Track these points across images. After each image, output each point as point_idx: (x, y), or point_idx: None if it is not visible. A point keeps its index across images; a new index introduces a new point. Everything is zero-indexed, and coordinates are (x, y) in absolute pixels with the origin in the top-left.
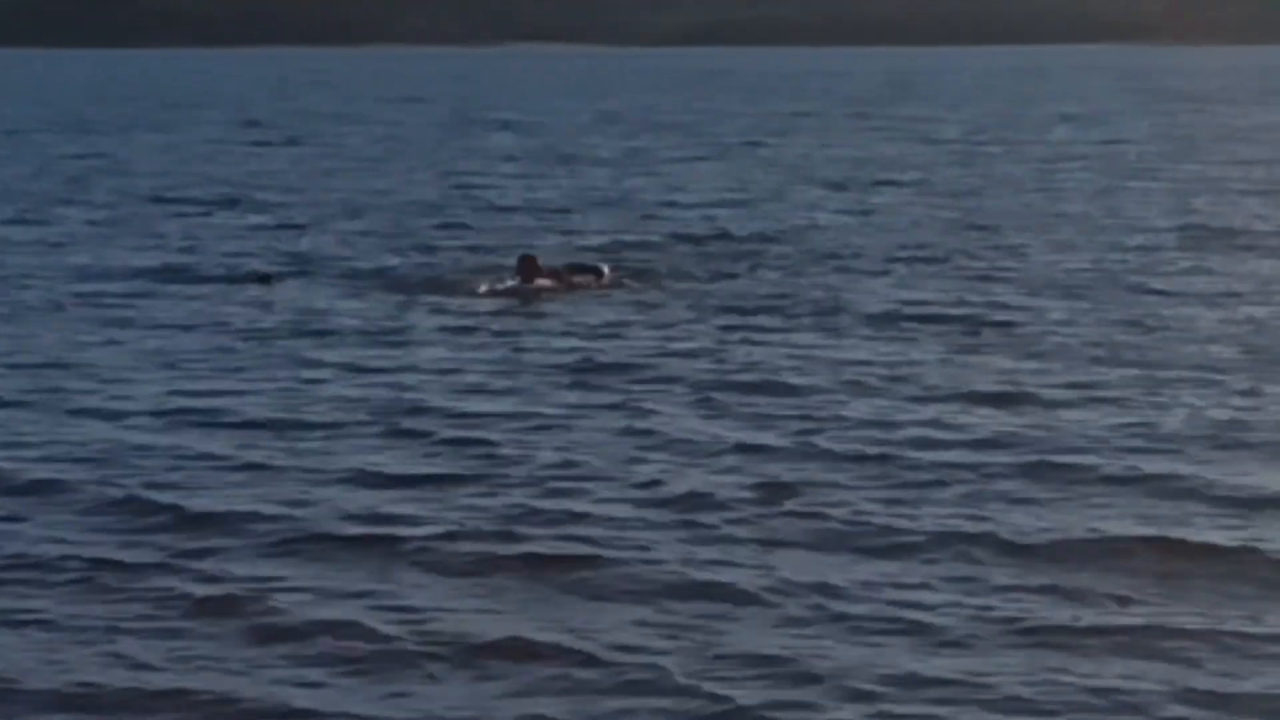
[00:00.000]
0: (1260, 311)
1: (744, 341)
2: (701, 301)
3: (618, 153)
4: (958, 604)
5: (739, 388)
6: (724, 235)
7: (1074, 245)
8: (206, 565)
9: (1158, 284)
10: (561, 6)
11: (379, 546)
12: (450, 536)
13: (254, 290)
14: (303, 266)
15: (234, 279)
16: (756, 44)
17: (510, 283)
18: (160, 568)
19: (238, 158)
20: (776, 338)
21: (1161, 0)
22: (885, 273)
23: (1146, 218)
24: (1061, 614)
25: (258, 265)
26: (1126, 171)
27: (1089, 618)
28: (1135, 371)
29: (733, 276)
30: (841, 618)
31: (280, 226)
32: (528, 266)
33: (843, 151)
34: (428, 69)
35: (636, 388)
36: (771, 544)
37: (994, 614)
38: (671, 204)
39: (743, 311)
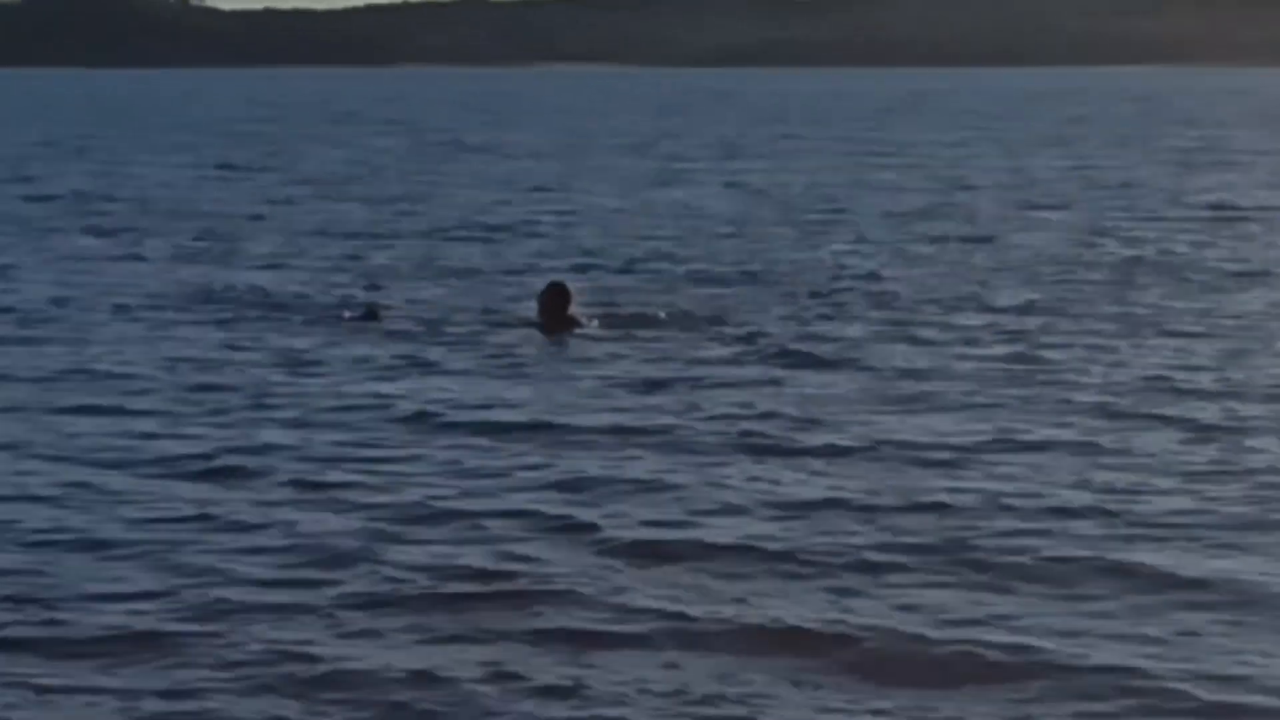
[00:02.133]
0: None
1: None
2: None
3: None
4: None
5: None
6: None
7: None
8: None
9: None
10: (598, 26)
11: None
12: None
13: (357, 324)
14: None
15: (335, 310)
16: (797, 65)
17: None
18: None
19: (206, 184)
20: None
21: (1199, 22)
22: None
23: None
24: None
25: (366, 298)
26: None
27: None
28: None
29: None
30: None
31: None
32: (553, 300)
33: (804, 178)
34: (443, 90)
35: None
36: None
37: None
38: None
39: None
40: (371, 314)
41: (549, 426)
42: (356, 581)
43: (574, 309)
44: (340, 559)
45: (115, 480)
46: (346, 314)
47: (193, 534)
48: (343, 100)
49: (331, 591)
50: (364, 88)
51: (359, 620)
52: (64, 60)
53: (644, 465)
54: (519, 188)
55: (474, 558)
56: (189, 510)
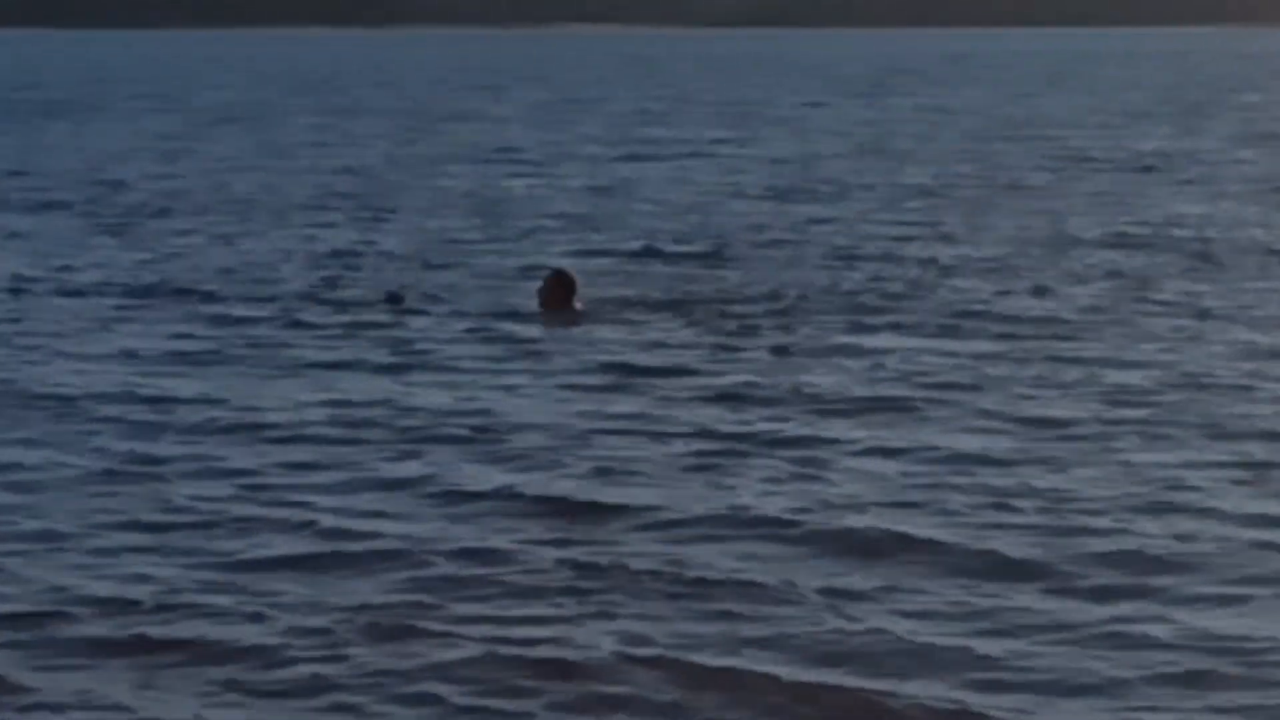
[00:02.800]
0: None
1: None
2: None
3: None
4: None
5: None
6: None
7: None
8: None
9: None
10: None
11: None
12: None
13: (383, 312)
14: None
15: (360, 301)
16: (826, 25)
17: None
18: None
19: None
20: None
21: None
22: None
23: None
24: None
25: (393, 286)
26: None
27: None
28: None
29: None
30: None
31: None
32: (556, 290)
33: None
34: (448, 53)
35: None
36: None
37: None
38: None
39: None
40: (395, 299)
41: (525, 436)
42: (253, 628)
43: (578, 300)
44: (245, 592)
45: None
46: (379, 297)
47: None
48: (337, 64)
49: (220, 646)
50: (364, 51)
51: (246, 688)
52: (44, 20)
53: (620, 478)
54: (512, 159)
55: (397, 593)
56: (66, 528)
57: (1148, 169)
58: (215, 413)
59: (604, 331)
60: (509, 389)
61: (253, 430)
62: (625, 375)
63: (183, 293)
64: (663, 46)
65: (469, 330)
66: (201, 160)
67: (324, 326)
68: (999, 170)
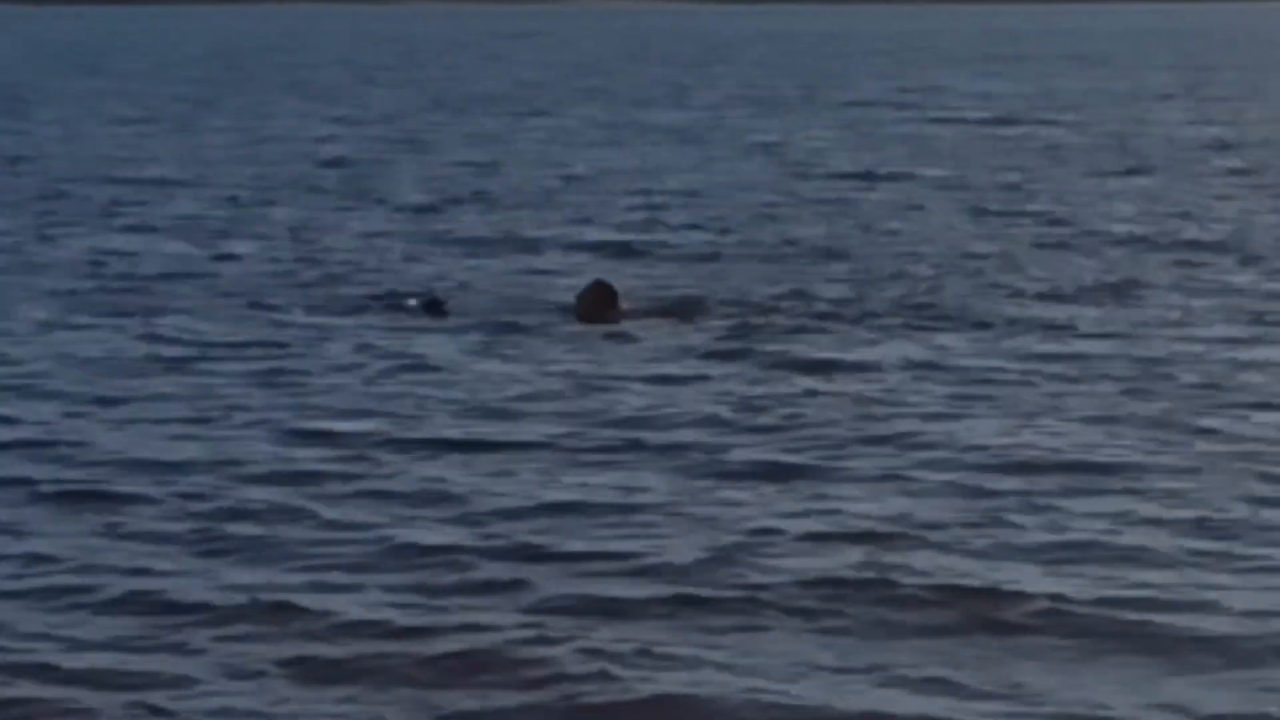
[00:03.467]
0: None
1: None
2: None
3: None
4: None
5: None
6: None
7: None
8: None
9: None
10: None
11: None
12: None
13: (414, 319)
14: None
15: (392, 306)
16: (847, 1)
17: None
18: None
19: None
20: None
21: None
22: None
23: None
24: None
25: (434, 291)
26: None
27: None
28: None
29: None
30: None
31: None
32: (596, 302)
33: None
34: (459, 30)
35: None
36: None
37: None
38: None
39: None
40: (435, 306)
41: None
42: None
43: (617, 309)
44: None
45: None
46: (410, 302)
47: None
48: (335, 39)
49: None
50: (368, 26)
51: None
52: None
53: (602, 507)
54: (523, 143)
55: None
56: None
57: (1183, 158)
58: (151, 432)
59: (622, 347)
60: (510, 405)
61: (195, 450)
62: (622, 391)
63: (134, 294)
64: (686, 23)
65: (486, 339)
66: (160, 147)
67: (307, 330)
68: (1025, 161)
